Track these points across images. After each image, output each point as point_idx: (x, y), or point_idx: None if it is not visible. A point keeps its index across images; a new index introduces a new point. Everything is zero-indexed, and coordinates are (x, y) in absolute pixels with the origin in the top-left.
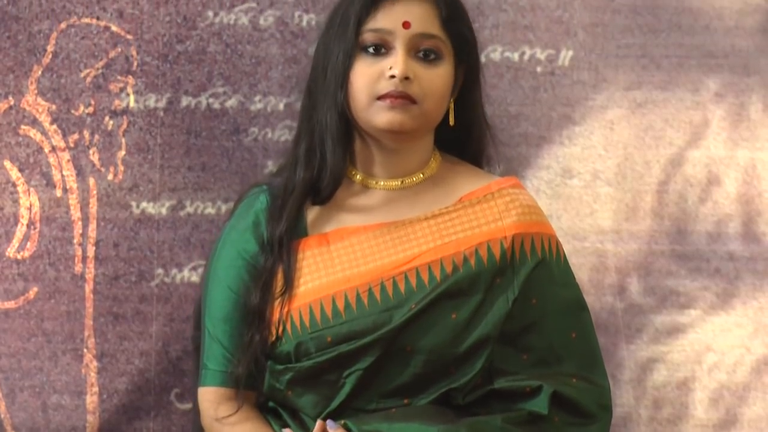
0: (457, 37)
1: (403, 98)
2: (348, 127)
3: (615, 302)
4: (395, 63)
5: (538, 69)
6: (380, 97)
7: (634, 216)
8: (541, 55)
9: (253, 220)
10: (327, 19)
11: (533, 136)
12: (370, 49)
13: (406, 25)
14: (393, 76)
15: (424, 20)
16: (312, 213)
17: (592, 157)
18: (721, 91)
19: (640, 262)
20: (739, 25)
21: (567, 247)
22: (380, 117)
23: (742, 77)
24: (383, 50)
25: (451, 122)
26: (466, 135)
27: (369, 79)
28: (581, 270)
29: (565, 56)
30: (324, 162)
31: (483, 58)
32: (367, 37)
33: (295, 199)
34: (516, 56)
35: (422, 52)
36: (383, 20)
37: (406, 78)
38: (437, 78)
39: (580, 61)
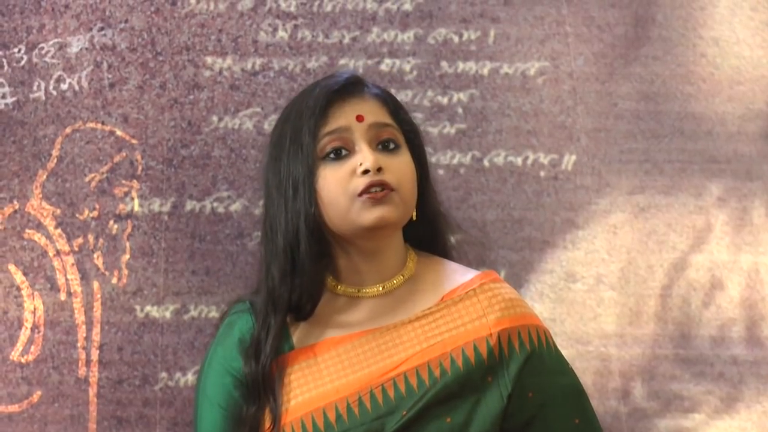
0: (406, 125)
1: (383, 186)
2: (321, 243)
3: (619, 406)
4: (363, 158)
5: (542, 173)
6: (360, 194)
7: (637, 320)
8: (544, 159)
9: (239, 337)
10: (271, 146)
11: (537, 240)
12: (332, 155)
13: (359, 118)
14: (366, 171)
15: (375, 112)
16: (296, 327)
17: (596, 262)
18: (723, 195)
19: (643, 366)
20: (742, 131)
21: (570, 351)
22: (366, 216)
23: (745, 182)
24: (344, 152)
25: (414, 216)
26: (431, 228)
27: (341, 182)
28: (585, 374)
29: (569, 161)
30: (302, 283)
31: (486, 163)
32: (326, 142)
33: (274, 338)
34: (519, 161)
35: (382, 144)
36: (336, 120)
37: (379, 169)
38: (404, 165)
39: (583, 165)
